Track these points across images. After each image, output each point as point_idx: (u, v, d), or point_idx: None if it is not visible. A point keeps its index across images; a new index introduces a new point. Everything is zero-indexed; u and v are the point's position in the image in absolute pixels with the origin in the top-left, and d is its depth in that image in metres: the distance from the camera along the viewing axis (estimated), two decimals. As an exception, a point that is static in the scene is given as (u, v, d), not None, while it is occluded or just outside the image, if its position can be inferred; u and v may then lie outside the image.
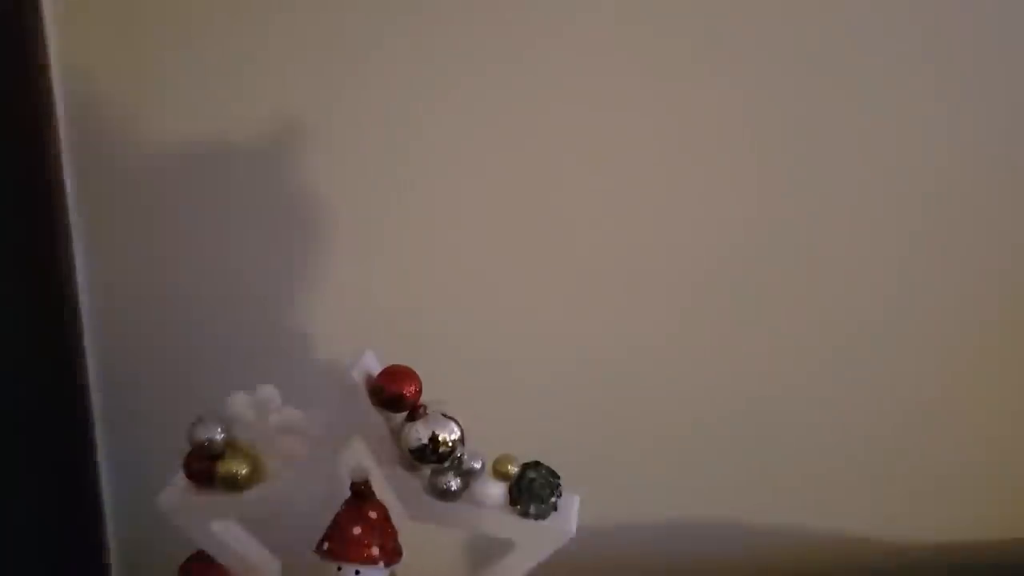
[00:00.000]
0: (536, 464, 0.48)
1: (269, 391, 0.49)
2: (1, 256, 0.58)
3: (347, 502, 0.50)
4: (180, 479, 0.50)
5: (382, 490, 0.50)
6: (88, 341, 0.68)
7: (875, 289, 0.73)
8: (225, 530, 0.51)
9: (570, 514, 0.48)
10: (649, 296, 0.70)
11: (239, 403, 0.49)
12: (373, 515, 0.50)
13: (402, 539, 0.51)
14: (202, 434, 0.49)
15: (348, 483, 0.50)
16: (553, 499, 0.47)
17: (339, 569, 0.49)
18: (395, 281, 0.67)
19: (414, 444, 0.46)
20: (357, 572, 0.48)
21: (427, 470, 0.48)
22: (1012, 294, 0.74)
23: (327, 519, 0.50)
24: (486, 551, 0.50)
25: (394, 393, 0.46)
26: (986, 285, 0.74)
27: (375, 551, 0.49)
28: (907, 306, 0.74)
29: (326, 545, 0.49)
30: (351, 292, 0.67)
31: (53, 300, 0.65)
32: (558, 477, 0.48)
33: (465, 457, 0.47)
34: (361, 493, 0.50)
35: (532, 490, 0.47)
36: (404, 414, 0.47)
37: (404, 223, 0.66)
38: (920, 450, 0.79)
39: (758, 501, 0.81)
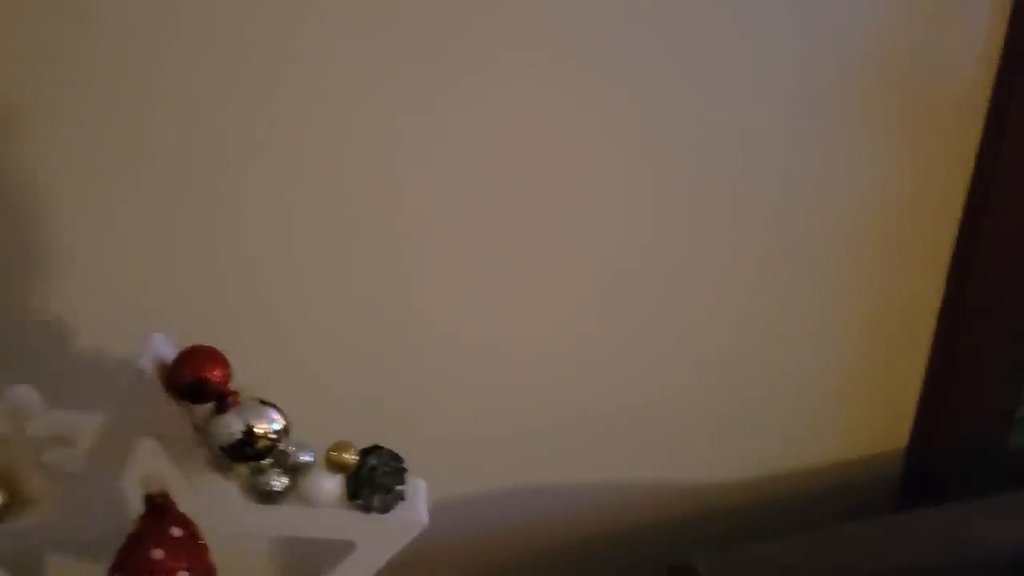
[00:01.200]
0: (376, 448, 0.41)
1: (25, 393, 0.39)
2: None
3: (141, 520, 0.41)
4: None
5: (185, 500, 0.41)
6: None
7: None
8: (-24, 576, 0.40)
9: (419, 502, 0.42)
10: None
11: (-20, 407, 0.38)
12: (177, 532, 0.41)
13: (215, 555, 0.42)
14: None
15: (140, 497, 0.41)
16: (399, 487, 0.41)
17: (137, 605, 0.39)
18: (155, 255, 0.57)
19: (226, 439, 0.38)
20: (161, 602, 0.39)
21: (244, 469, 0.39)
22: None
23: (116, 545, 0.41)
24: (320, 558, 0.43)
25: (196, 378, 0.38)
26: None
27: (184, 567, 0.40)
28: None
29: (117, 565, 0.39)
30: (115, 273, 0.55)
31: None
32: (402, 460, 0.41)
33: (291, 450, 0.39)
34: (159, 507, 0.41)
35: (374, 479, 0.40)
36: (211, 404, 0.38)
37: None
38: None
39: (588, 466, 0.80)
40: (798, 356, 0.83)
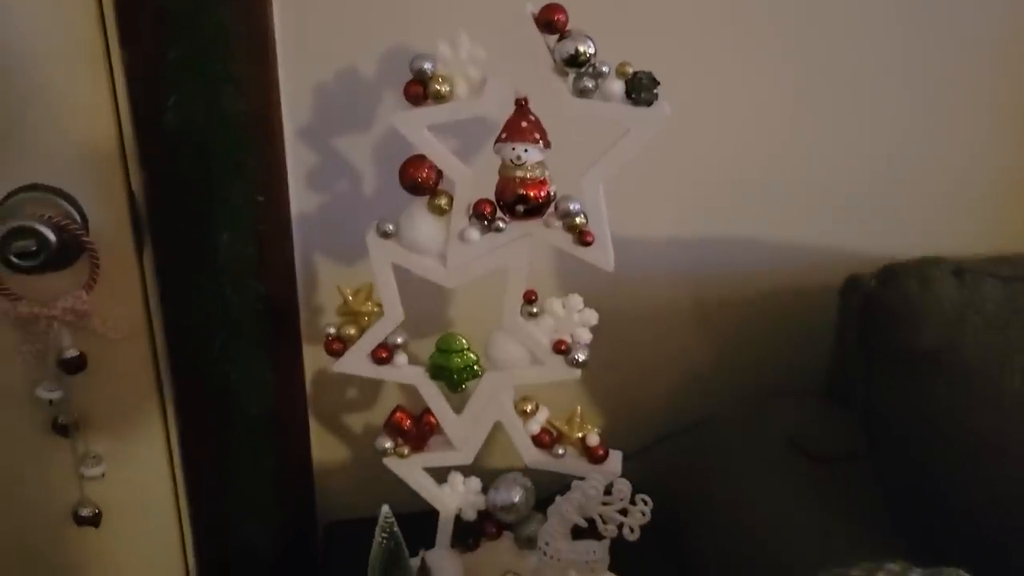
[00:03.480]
0: (640, 70, 0.72)
1: (463, 36, 0.74)
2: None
3: (515, 111, 0.75)
4: (402, 102, 0.75)
5: (536, 100, 0.74)
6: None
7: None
8: (434, 140, 0.75)
9: (664, 104, 0.73)
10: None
11: (441, 46, 0.74)
12: (533, 118, 0.74)
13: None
14: (419, 65, 0.73)
15: (513, 100, 0.75)
16: (655, 90, 0.72)
17: (513, 149, 0.73)
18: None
19: (564, 54, 0.71)
20: (526, 150, 0.73)
21: (572, 75, 0.72)
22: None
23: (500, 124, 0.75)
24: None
25: (549, 19, 0.71)
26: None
27: (536, 136, 0.74)
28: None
29: (504, 135, 0.74)
30: None
31: None
32: (656, 78, 0.72)
33: (598, 64, 0.72)
34: (523, 105, 0.75)
35: (642, 83, 0.71)
36: (557, 35, 0.71)
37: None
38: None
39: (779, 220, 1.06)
40: (962, 151, 1.05)
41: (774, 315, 1.11)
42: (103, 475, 1.00)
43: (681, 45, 0.95)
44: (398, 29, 0.91)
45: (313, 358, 1.02)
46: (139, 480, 1.03)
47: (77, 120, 0.88)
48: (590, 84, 0.72)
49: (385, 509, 0.84)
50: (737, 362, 1.13)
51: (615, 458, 0.86)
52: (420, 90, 0.74)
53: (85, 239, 0.90)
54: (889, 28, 0.98)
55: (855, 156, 1.04)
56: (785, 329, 1.12)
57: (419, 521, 0.90)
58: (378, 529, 0.84)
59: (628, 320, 1.07)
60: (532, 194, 0.74)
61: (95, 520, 1.01)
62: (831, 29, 0.97)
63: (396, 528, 0.84)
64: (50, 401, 0.95)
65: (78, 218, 0.91)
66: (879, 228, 1.08)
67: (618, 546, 0.84)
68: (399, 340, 0.83)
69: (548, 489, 0.89)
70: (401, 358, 0.83)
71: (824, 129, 1.02)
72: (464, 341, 0.82)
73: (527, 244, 0.77)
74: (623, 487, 0.78)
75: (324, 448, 1.08)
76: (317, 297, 1.02)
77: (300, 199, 0.97)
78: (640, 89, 0.71)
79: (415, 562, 0.86)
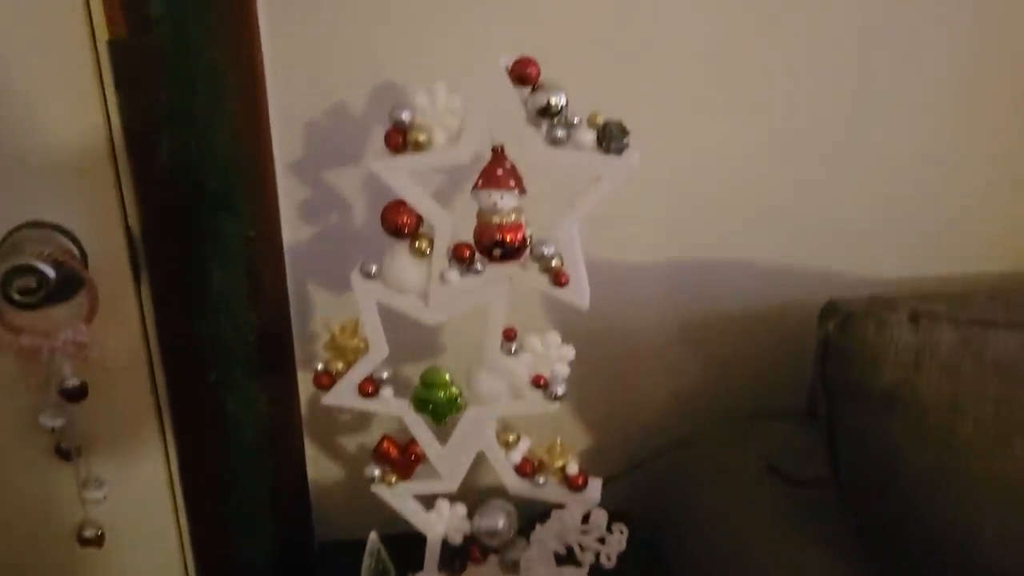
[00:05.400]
0: (611, 120, 0.75)
1: (440, 87, 0.76)
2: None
3: (491, 158, 0.77)
4: (379, 149, 0.77)
5: (512, 149, 0.77)
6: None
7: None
8: (415, 186, 0.78)
9: (635, 152, 0.75)
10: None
11: (419, 97, 0.76)
12: (508, 165, 0.77)
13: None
14: (397, 115, 0.76)
15: (489, 149, 0.78)
16: (625, 139, 0.74)
17: (490, 196, 0.76)
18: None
19: (538, 106, 0.73)
20: (502, 197, 0.76)
21: (545, 125, 0.75)
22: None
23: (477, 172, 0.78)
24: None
25: (522, 72, 0.73)
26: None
27: (512, 183, 0.76)
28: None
29: (480, 182, 0.77)
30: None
31: None
32: (626, 128, 0.75)
33: (569, 115, 0.74)
34: (499, 152, 0.77)
35: (612, 132, 0.74)
36: (530, 88, 0.74)
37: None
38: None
39: (770, 241, 1.08)
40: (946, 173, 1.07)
41: (758, 337, 1.13)
42: (105, 498, 1.04)
43: (667, 76, 0.98)
44: (385, 68, 0.94)
45: (308, 383, 1.05)
46: (141, 502, 1.07)
47: (75, 159, 0.92)
48: (562, 134, 0.74)
49: (372, 536, 0.87)
50: (722, 385, 1.16)
51: (594, 486, 0.89)
52: (400, 138, 0.76)
53: (84, 274, 0.93)
54: (866, 60, 1.00)
55: (837, 182, 1.06)
56: (769, 351, 1.14)
57: (409, 542, 0.94)
58: (367, 554, 0.87)
59: (612, 344, 1.09)
60: (509, 238, 0.77)
61: (99, 541, 1.05)
62: (806, 62, 0.99)
63: (384, 554, 0.87)
64: (52, 428, 0.99)
65: (77, 253, 0.95)
66: (862, 252, 1.10)
67: (601, 568, 0.87)
68: (384, 375, 0.86)
69: (532, 512, 0.92)
70: (387, 391, 0.86)
71: (807, 157, 1.04)
72: (447, 376, 0.85)
73: (505, 285, 0.80)
74: (599, 518, 0.81)
75: (319, 470, 1.11)
76: (311, 325, 1.05)
77: (293, 231, 1.00)
78: (610, 138, 0.74)
79: (404, 586, 0.90)
